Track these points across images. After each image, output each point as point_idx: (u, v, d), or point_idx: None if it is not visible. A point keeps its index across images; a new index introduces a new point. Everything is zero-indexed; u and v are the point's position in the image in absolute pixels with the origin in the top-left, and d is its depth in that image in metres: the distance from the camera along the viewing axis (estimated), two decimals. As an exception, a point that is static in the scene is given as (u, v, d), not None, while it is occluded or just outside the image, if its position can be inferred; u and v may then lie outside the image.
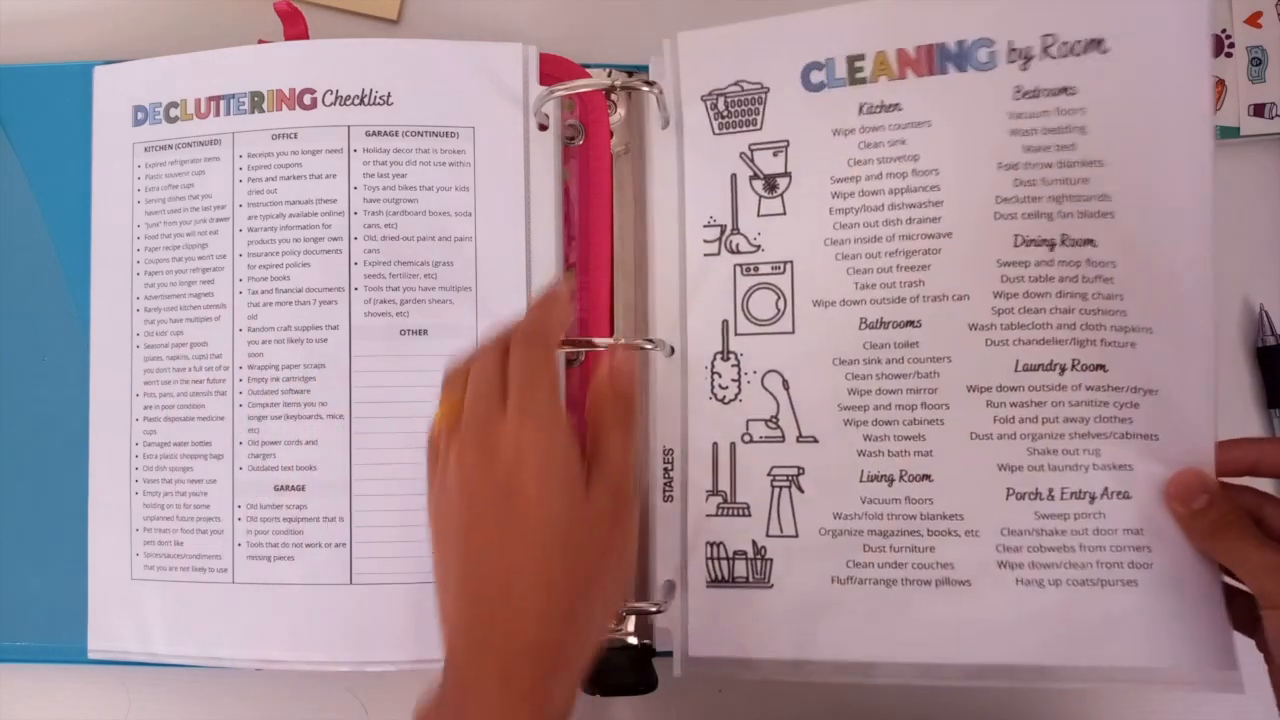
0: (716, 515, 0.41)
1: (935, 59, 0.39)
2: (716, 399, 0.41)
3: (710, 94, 0.41)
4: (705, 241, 0.41)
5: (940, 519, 0.39)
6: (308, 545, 0.41)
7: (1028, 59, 0.38)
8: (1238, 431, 0.45)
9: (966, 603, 0.38)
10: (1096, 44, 0.38)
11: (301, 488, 0.41)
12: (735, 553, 0.40)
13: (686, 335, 0.42)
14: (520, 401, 0.33)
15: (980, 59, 0.39)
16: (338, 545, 0.41)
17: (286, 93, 0.42)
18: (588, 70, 0.43)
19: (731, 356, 0.41)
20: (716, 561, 0.40)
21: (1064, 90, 0.38)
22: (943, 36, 0.39)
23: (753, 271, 0.41)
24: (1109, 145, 0.38)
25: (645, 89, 0.41)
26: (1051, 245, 0.38)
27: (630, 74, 0.43)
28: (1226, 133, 0.46)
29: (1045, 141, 0.38)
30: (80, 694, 0.45)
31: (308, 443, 0.41)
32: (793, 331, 0.40)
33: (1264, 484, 0.38)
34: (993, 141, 0.38)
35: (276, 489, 0.41)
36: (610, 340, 0.41)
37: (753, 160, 0.41)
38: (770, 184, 0.41)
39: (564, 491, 0.32)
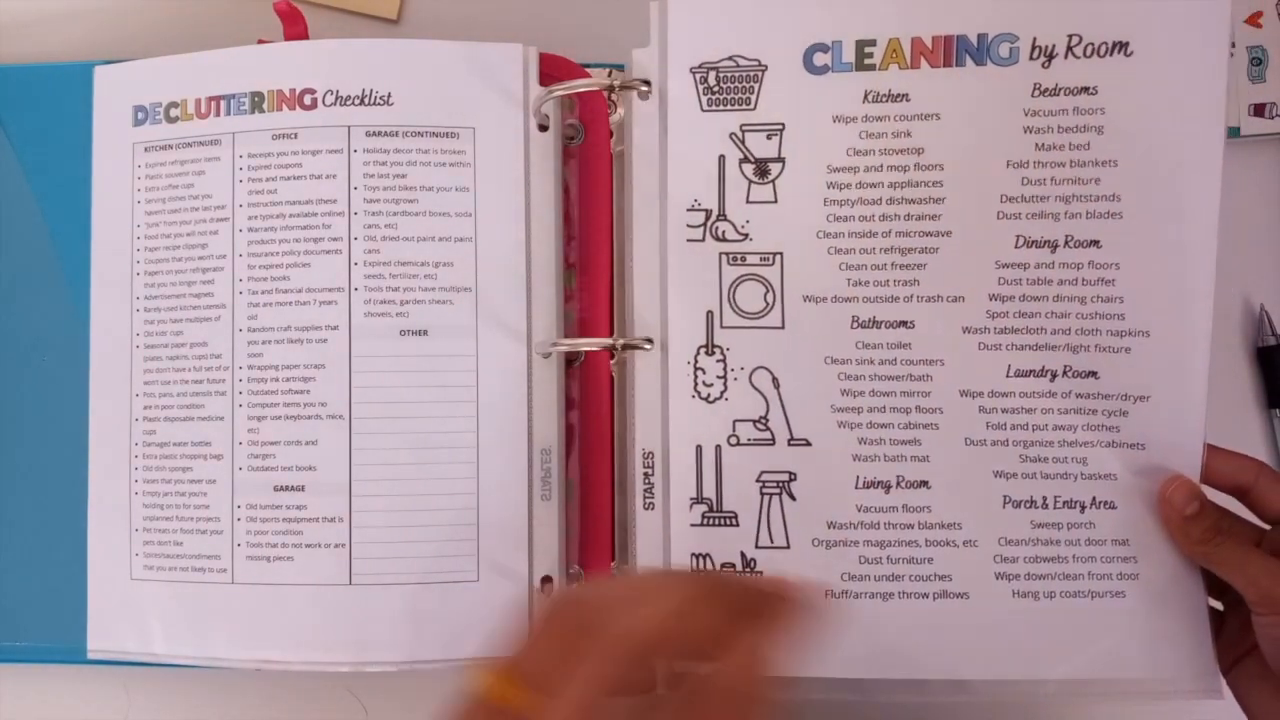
0: (701, 525, 0.39)
1: (953, 50, 0.38)
2: (700, 397, 0.39)
3: (700, 66, 0.40)
4: (689, 226, 0.39)
5: (939, 528, 0.38)
6: (307, 545, 0.41)
7: (1050, 57, 0.38)
8: (1238, 432, 0.45)
9: (963, 616, 0.37)
10: (1122, 46, 0.37)
11: (301, 488, 0.41)
12: (723, 565, 0.39)
13: (667, 326, 0.40)
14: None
15: (1001, 54, 0.38)
16: (337, 545, 0.41)
17: (287, 93, 0.42)
18: (588, 70, 0.43)
19: (716, 351, 0.39)
20: None
21: (1084, 90, 0.37)
22: (964, 28, 0.38)
23: (740, 261, 0.39)
24: (1124, 146, 0.37)
25: (644, 89, 0.40)
26: (1054, 247, 0.37)
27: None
28: (1227, 132, 0.46)
29: (1059, 140, 0.37)
30: (80, 694, 0.46)
31: (308, 443, 0.41)
32: (782, 326, 0.39)
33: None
34: (1004, 139, 0.38)
35: (276, 489, 0.41)
36: (610, 340, 0.41)
37: (743, 142, 0.39)
38: (761, 169, 0.39)
39: None
